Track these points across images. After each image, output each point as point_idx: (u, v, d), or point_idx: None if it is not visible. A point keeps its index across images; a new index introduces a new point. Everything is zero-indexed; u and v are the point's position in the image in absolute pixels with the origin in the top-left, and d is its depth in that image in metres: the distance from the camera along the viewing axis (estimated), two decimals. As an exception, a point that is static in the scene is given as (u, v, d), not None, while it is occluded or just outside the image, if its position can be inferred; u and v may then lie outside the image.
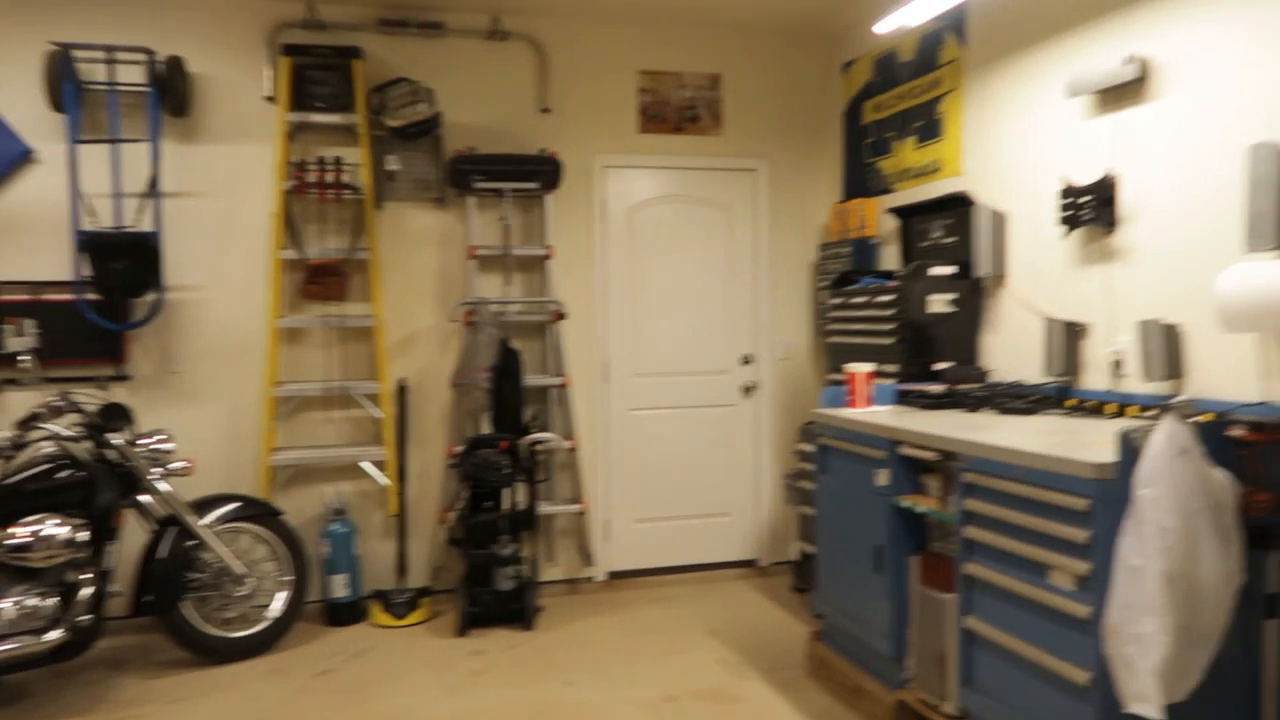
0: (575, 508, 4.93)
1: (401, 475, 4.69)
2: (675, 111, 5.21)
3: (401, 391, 4.71)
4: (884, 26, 3.70)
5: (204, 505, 4.06)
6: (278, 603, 4.18)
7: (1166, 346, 3.01)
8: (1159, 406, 2.97)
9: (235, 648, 4.03)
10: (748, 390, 5.33)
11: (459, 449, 4.57)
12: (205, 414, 4.58)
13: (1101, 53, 3.32)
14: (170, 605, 3.87)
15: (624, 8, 4.84)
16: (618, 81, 5.09)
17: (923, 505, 3.07)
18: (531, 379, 4.83)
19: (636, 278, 5.17)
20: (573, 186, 5.00)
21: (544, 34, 4.95)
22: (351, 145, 4.63)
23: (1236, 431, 2.31)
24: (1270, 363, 2.71)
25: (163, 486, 3.85)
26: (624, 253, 5.15)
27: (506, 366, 4.67)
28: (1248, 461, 2.29)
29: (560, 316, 4.87)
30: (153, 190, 4.39)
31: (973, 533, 2.75)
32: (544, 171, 4.83)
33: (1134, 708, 2.12)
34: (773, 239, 5.36)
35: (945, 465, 2.95)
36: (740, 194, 5.32)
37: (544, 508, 4.81)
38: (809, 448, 4.38)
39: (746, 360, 5.32)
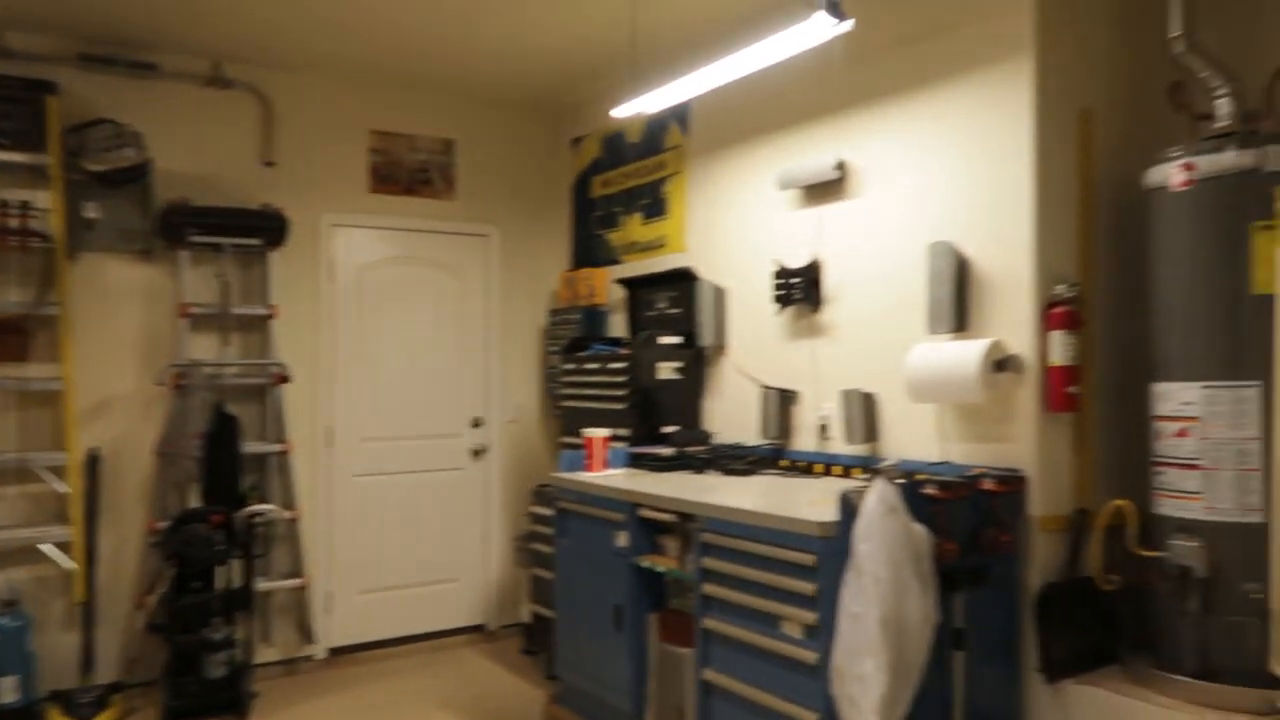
0: (295, 582, 4.64)
1: (90, 557, 4.17)
2: (408, 173, 5.18)
3: (93, 462, 4.22)
4: (621, 112, 3.94)
5: None
6: (-72, 714, 3.56)
7: (865, 413, 3.42)
8: (865, 467, 3.36)
9: None
10: (477, 453, 5.32)
11: (163, 524, 4.16)
12: None
13: (808, 153, 3.76)
14: None
15: (356, 66, 4.77)
16: (348, 139, 4.98)
17: (661, 565, 3.24)
18: (250, 446, 4.52)
19: (366, 339, 5.03)
20: (299, 244, 4.79)
21: (270, 85, 4.74)
22: (42, 188, 4.14)
23: (929, 490, 2.67)
24: (947, 428, 3.17)
25: None
26: (353, 314, 4.99)
27: (221, 433, 4.33)
28: (938, 516, 2.66)
29: (283, 379, 4.61)
30: None
31: (710, 589, 2.94)
32: (268, 227, 4.60)
33: (858, 742, 2.37)
34: (504, 303, 5.44)
35: (683, 526, 3.14)
36: (472, 258, 5.36)
37: (261, 584, 4.48)
38: (543, 510, 4.45)
39: (477, 423, 5.32)
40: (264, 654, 4.61)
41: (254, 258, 4.68)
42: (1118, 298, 3.11)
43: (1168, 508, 2.72)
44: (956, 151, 3.16)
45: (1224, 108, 2.77)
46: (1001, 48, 3.02)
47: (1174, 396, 2.72)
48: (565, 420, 4.74)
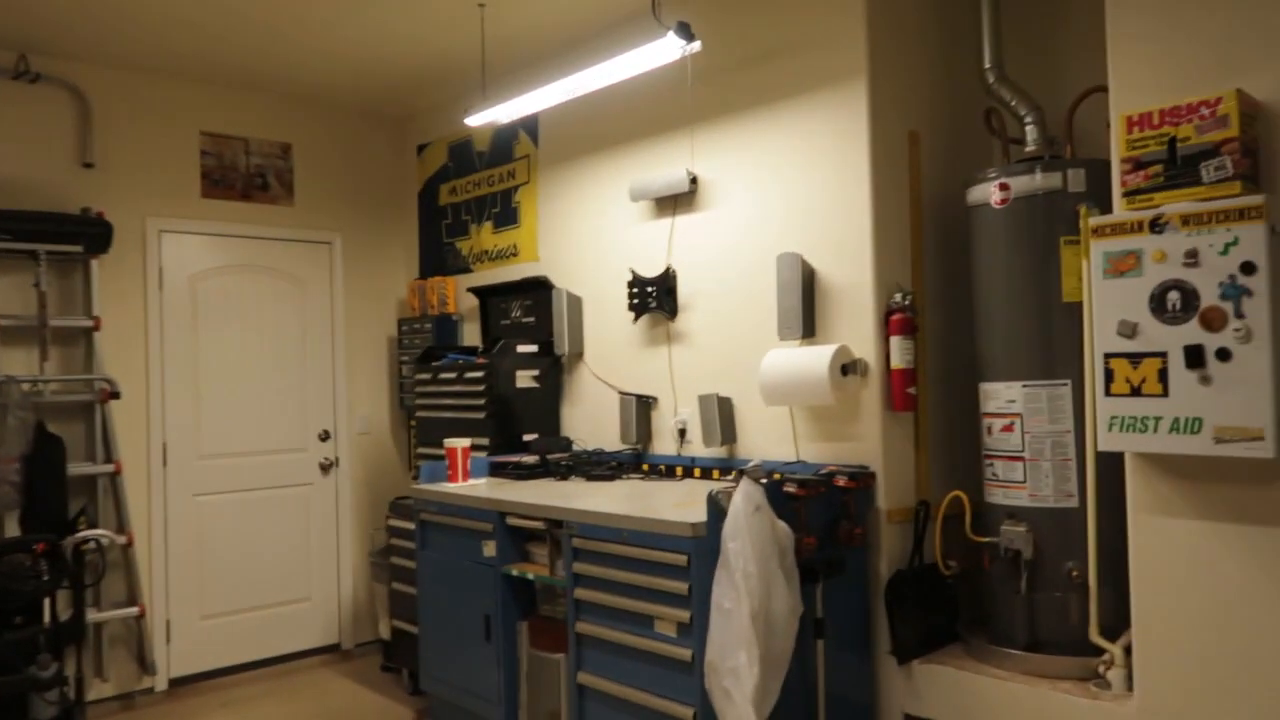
0: (130, 611, 4.36)
1: (-109, 597, 3.79)
2: (243, 178, 4.96)
3: (-108, 493, 3.83)
4: (473, 121, 3.94)
5: None
6: None
7: (722, 416, 3.57)
8: (724, 469, 3.51)
9: None
10: (326, 468, 5.16)
11: (-21, 557, 3.83)
12: None
13: (660, 165, 3.88)
14: None
15: (182, 63, 4.53)
16: (176, 141, 4.73)
17: (531, 572, 3.27)
18: (76, 468, 4.22)
19: (201, 351, 4.78)
20: (124, 251, 4.51)
21: (86, 81, 4.44)
22: None
23: (789, 488, 2.83)
24: (800, 429, 3.36)
25: None
26: (186, 324, 4.74)
27: (43, 455, 4.03)
28: (798, 512, 2.83)
29: (112, 395, 4.33)
30: None
31: (582, 593, 3.00)
32: (89, 233, 4.30)
33: (734, 731, 2.49)
34: (350, 313, 5.30)
35: (552, 532, 3.18)
36: (315, 266, 5.19)
37: (93, 615, 4.19)
38: (401, 524, 4.38)
39: (324, 436, 5.17)
40: (99, 689, 4.31)
41: (73, 266, 4.37)
42: (947, 305, 3.39)
43: (997, 496, 3.00)
44: (801, 167, 3.36)
45: (1031, 133, 3.07)
46: (839, 73, 3.23)
47: (999, 395, 3.00)
48: (421, 431, 4.68)
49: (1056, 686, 2.73)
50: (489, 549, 3.39)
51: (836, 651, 2.98)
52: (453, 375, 4.41)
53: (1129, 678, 2.61)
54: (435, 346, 4.82)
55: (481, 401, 4.22)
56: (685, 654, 2.65)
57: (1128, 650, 2.62)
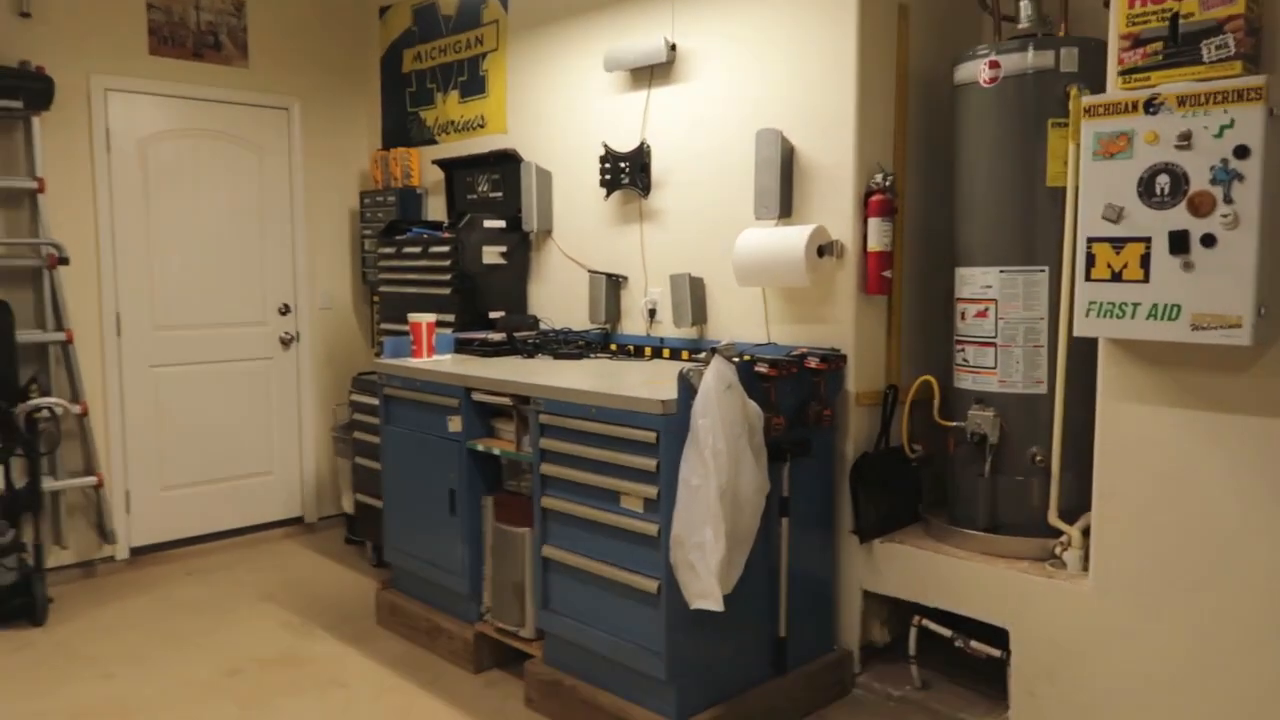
0: (88, 480, 4.31)
1: None
2: (193, 35, 4.68)
3: None
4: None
5: None
6: None
7: (693, 297, 3.51)
8: (693, 350, 3.48)
9: None
10: (287, 342, 5.06)
11: (-73, 423, 3.73)
12: None
13: (637, 33, 3.70)
14: None
15: (130, -94, 4.21)
16: (122, -9, 4.43)
17: (497, 448, 3.25)
18: (25, 335, 4.08)
19: (154, 219, 4.59)
20: (68, 110, 4.27)
21: (21, -80, 4.11)
22: None
23: (761, 369, 2.81)
24: (772, 311, 3.32)
25: None
26: (137, 190, 4.53)
27: (-10, 321, 3.89)
28: (769, 392, 2.81)
29: (60, 261, 4.16)
30: None
31: (549, 469, 2.99)
32: (28, 88, 4.06)
33: (699, 604, 2.52)
34: (310, 183, 5.10)
35: (519, 409, 3.15)
36: (272, 133, 4.97)
37: (49, 484, 4.13)
38: (365, 399, 4.32)
39: (285, 310, 5.04)
40: (58, 557, 4.29)
41: (13, 123, 4.13)
42: (926, 188, 3.32)
43: (967, 382, 3.00)
44: (785, 40, 3.22)
45: (1025, 9, 2.95)
46: (833, -64, 3.06)
47: (975, 280, 2.96)
48: (384, 307, 4.58)
49: (1014, 565, 2.80)
50: (454, 424, 3.35)
51: (800, 530, 3.01)
52: (417, 250, 4.28)
53: (1085, 559, 2.67)
54: (399, 220, 4.68)
55: (447, 278, 4.12)
56: (651, 529, 2.66)
57: (1085, 533, 2.68)
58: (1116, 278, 2.32)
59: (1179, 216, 2.20)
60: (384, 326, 4.55)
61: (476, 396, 3.28)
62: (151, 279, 4.60)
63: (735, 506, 2.57)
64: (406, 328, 3.82)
